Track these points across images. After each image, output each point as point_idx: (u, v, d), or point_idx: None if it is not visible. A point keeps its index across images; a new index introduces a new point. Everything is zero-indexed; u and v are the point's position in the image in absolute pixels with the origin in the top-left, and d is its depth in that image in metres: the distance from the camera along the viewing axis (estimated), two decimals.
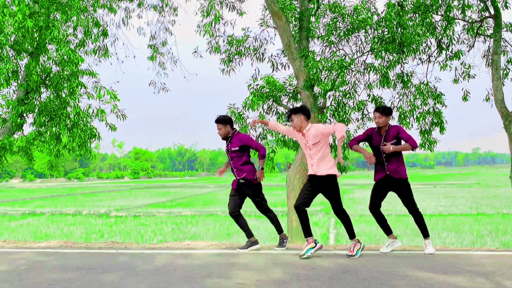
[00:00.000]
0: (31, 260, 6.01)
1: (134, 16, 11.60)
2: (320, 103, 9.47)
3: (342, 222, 6.07)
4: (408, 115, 9.95)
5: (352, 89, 9.83)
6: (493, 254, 6.11)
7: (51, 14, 9.63)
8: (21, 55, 9.85)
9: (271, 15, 9.19)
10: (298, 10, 9.94)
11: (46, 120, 10.17)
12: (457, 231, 16.50)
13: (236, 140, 6.43)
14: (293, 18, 10.18)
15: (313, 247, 5.88)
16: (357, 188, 46.90)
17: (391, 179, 6.03)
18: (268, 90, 9.96)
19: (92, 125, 10.42)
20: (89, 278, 4.93)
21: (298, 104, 10.14)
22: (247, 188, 6.44)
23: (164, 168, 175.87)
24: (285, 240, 6.57)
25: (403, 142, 6.01)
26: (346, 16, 9.55)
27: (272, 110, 10.36)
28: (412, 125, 10.00)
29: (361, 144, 6.30)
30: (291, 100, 10.31)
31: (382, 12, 9.42)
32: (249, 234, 6.55)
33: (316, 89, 9.31)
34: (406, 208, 6.18)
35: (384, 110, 5.99)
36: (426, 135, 10.02)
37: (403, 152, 6.10)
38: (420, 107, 9.99)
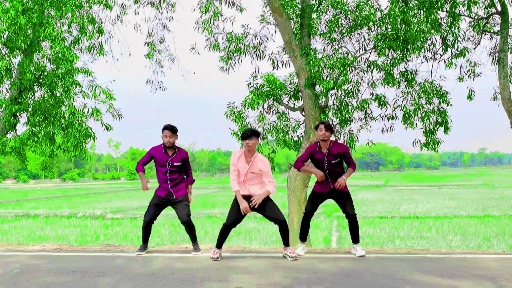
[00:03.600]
0: (25, 264, 5.94)
1: (131, 12, 11.47)
2: (322, 102, 9.41)
3: (281, 230, 6.17)
4: (413, 115, 9.88)
5: (355, 88, 9.77)
6: (500, 257, 6.09)
7: (45, 11, 9.55)
8: (14, 52, 9.78)
9: (272, 12, 9.12)
10: (299, 6, 9.87)
11: (40, 119, 10.08)
12: (463, 234, 16.49)
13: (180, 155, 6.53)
14: (294, 14, 10.13)
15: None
16: (359, 189, 46.99)
17: (334, 191, 6.25)
18: (268, 88, 9.90)
19: (87, 125, 10.31)
20: (84, 282, 4.88)
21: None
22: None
23: None
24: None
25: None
26: (349, 12, 9.46)
27: (273, 109, 10.27)
28: (416, 124, 9.95)
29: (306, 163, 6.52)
30: (292, 98, 10.24)
31: (385, 9, 9.37)
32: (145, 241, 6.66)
33: (318, 87, 9.24)
34: (345, 213, 6.31)
35: (328, 126, 6.23)
36: (430, 135, 9.92)
37: None
38: (424, 106, 9.92)
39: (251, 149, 5.99)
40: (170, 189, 6.41)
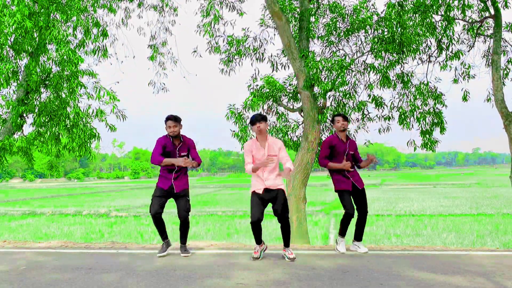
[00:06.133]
0: (31, 260, 6.00)
1: (134, 16, 11.60)
2: (320, 103, 9.45)
3: (282, 228, 6.04)
4: (409, 115, 9.94)
5: (352, 89, 9.80)
6: (493, 254, 6.12)
7: (51, 14, 9.61)
8: (21, 55, 9.86)
9: (271, 15, 9.17)
10: (298, 10, 9.93)
11: (46, 120, 10.16)
12: (457, 231, 16.52)
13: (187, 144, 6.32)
14: (293, 18, 10.17)
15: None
16: None
17: (356, 189, 6.34)
18: (268, 90, 9.94)
19: (92, 126, 10.42)
20: (89, 279, 4.92)
21: (298, 105, 10.15)
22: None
23: None
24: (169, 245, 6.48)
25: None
26: (346, 16, 9.53)
27: (272, 110, 10.34)
28: (412, 125, 10.00)
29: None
30: (291, 100, 10.30)
31: (382, 12, 9.41)
32: (165, 236, 6.48)
33: (316, 89, 9.29)
34: (359, 209, 6.36)
35: (345, 117, 6.35)
36: (427, 135, 10.01)
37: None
38: (420, 107, 9.99)
39: (262, 132, 5.87)
40: (173, 182, 6.19)
